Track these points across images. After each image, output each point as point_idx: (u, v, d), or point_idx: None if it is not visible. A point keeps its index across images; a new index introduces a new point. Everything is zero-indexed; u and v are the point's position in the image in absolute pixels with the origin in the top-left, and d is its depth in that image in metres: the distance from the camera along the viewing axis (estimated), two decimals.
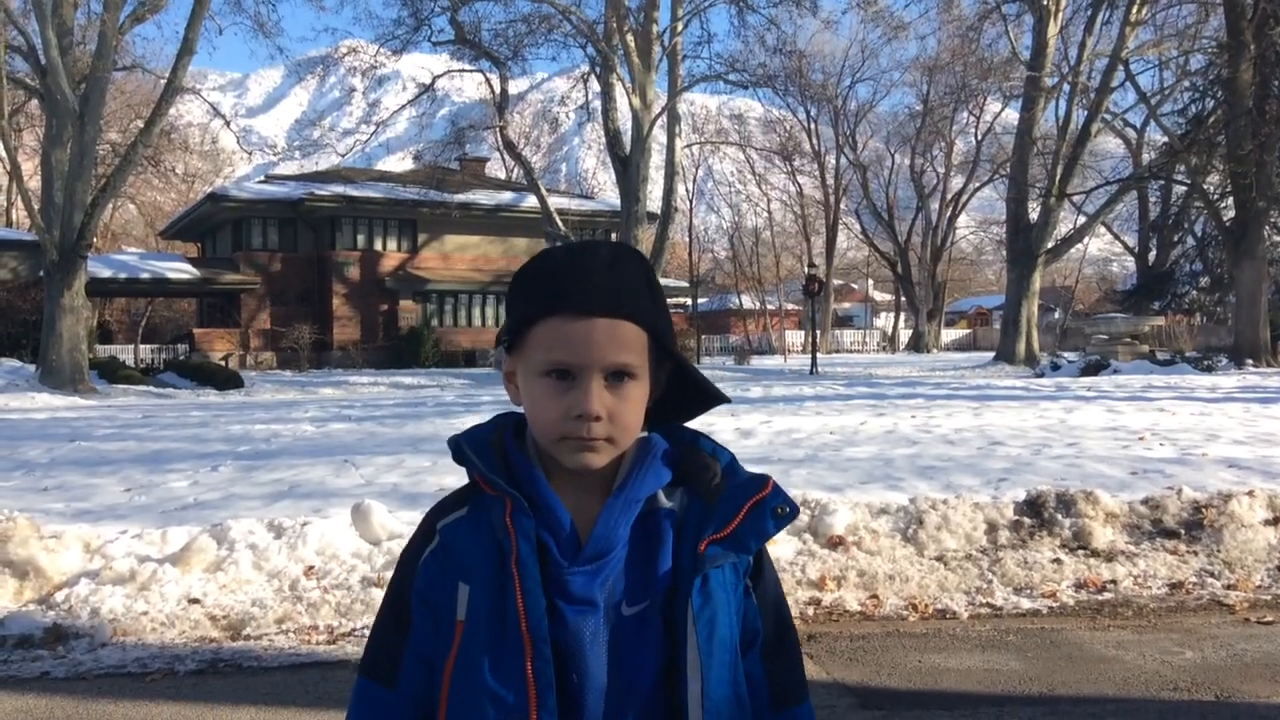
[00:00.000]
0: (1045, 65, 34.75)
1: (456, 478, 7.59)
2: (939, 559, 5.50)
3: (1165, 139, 36.10)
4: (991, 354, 38.64)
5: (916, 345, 61.12)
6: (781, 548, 5.50)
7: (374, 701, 1.28)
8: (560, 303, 1.21)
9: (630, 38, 32.01)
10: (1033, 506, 5.87)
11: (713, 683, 1.22)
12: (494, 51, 34.03)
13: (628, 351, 1.21)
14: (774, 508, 1.26)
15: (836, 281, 71.60)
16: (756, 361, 47.29)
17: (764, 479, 1.29)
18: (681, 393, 1.31)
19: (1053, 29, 33.98)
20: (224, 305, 39.26)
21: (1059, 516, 5.74)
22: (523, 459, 1.26)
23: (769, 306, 72.45)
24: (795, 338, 63.70)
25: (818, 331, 45.57)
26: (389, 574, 5.17)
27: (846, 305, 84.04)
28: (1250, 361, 25.34)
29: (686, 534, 1.26)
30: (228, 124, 29.63)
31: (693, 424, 1.36)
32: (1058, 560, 5.49)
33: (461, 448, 1.28)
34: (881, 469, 7.72)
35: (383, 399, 18.83)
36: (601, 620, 1.22)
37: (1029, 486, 6.79)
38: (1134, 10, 32.94)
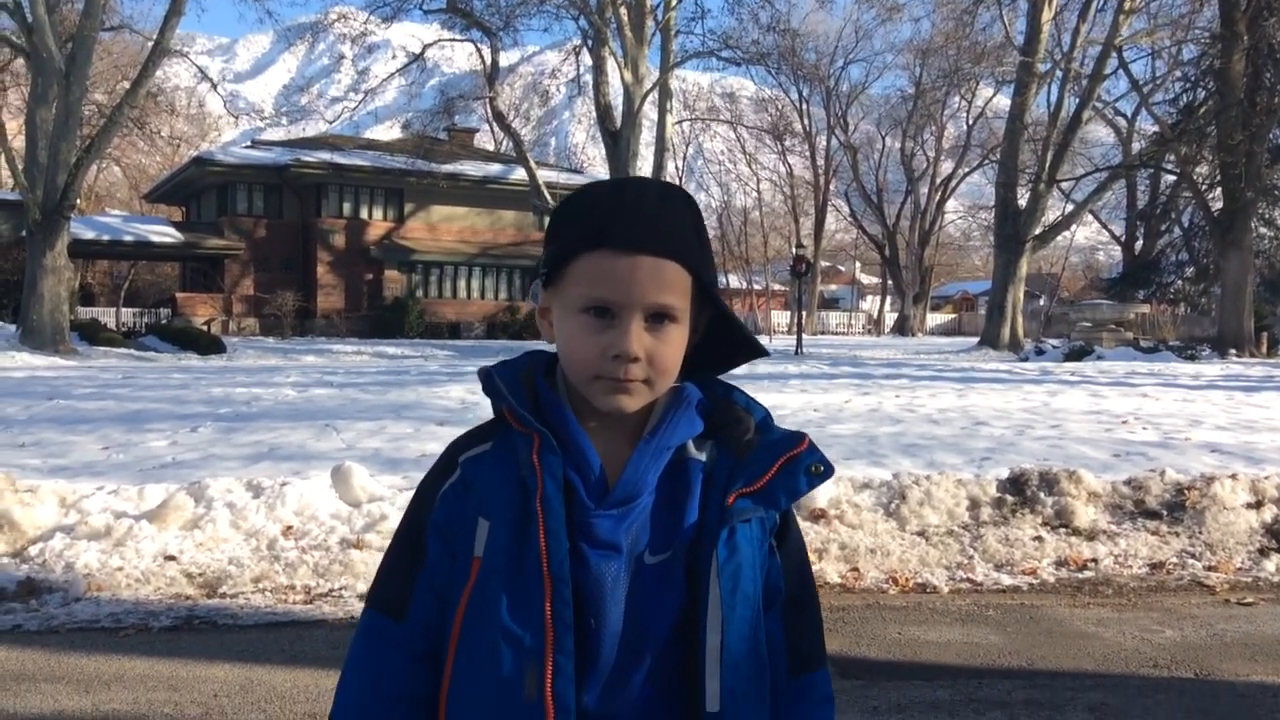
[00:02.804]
0: (1038, 51, 34.69)
1: (439, 445, 7.55)
2: (920, 534, 5.49)
3: (1155, 128, 36.14)
4: (976, 339, 38.67)
5: (902, 329, 61.25)
6: None
7: (382, 634, 1.23)
8: (606, 237, 1.15)
9: (623, 11, 31.81)
10: (1015, 484, 5.87)
11: (732, 637, 1.18)
12: (485, 21, 33.75)
13: (671, 292, 1.16)
14: (809, 465, 1.22)
15: (824, 263, 71.63)
16: None
17: (800, 435, 1.24)
18: (718, 342, 1.26)
19: (1047, 14, 33.89)
20: (207, 270, 39.01)
21: (1041, 495, 5.74)
22: (553, 397, 1.21)
23: (756, 286, 72.43)
24: (781, 318, 63.70)
25: (803, 312, 45.53)
26: (368, 536, 5.15)
27: (833, 287, 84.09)
28: (1234, 352, 25.43)
29: (715, 486, 1.21)
30: (215, 87, 29.33)
31: None
32: (1039, 538, 5.49)
33: (492, 378, 1.22)
34: (865, 446, 7.71)
35: (366, 367, 18.74)
36: (623, 566, 1.18)
37: (1012, 465, 6.80)
38: None
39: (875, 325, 67.57)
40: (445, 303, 41.19)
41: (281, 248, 38.84)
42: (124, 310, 38.09)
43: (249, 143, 43.74)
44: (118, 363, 19.29)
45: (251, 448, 7.36)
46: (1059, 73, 35.60)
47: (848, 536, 5.34)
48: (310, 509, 5.26)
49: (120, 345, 25.14)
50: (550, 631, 1.14)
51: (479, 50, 35.40)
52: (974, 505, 5.71)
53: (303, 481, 5.52)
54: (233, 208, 38.73)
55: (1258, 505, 5.76)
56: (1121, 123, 49.01)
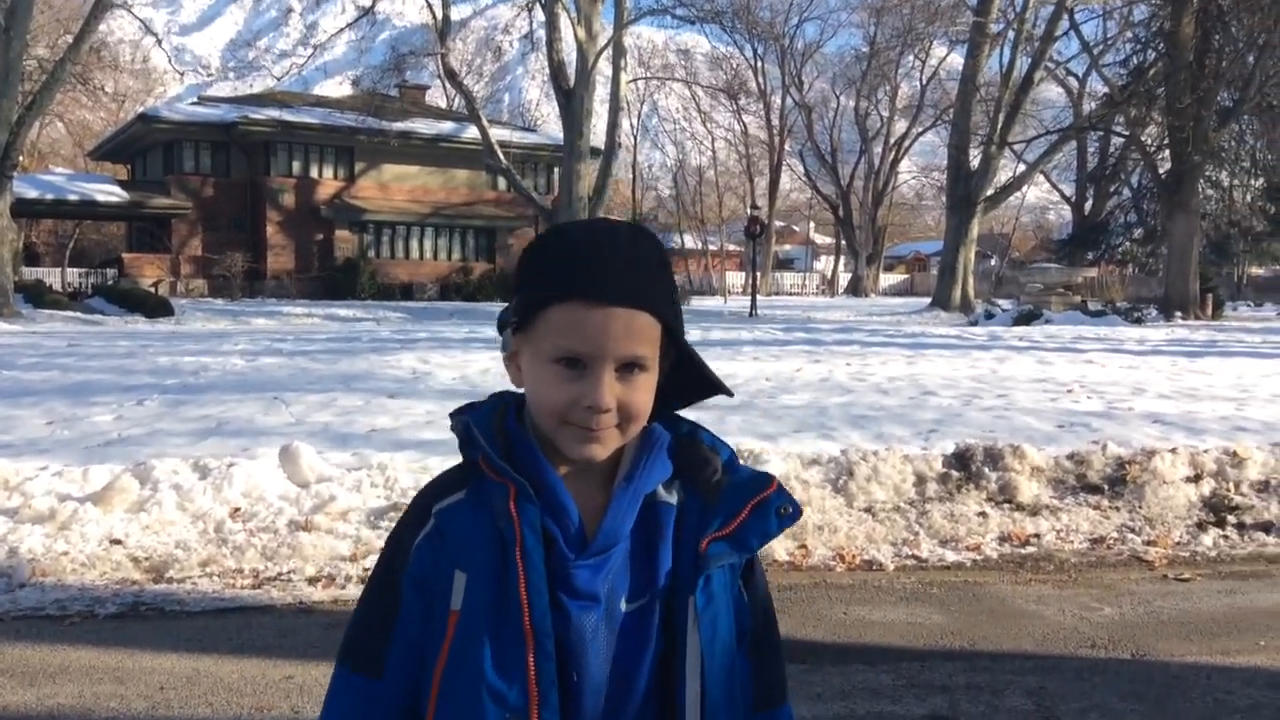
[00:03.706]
0: (991, 11, 34.80)
1: (389, 418, 7.54)
2: (867, 510, 5.56)
3: (1106, 89, 36.40)
4: (928, 300, 39.04)
5: (855, 289, 61.60)
6: None
7: (360, 692, 1.20)
8: (578, 288, 1.14)
9: None
10: (961, 460, 5.95)
11: (712, 683, 1.19)
12: None
13: (642, 343, 1.16)
14: (778, 508, 1.23)
15: (778, 223, 71.71)
16: (697, 302, 47.35)
17: (768, 478, 1.25)
18: (682, 378, 1.26)
19: None
20: (154, 230, 38.32)
21: (986, 470, 5.83)
22: (526, 444, 1.20)
23: (710, 247, 72.42)
24: (736, 279, 63.83)
25: (758, 274, 45.68)
26: (316, 517, 5.13)
27: (787, 247, 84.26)
28: (1179, 314, 25.88)
29: (687, 530, 1.21)
30: (159, 43, 28.68)
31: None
32: (983, 513, 5.57)
33: (472, 431, 1.21)
34: (815, 418, 7.77)
35: (316, 332, 18.57)
36: (602, 616, 1.18)
37: (958, 438, 6.89)
38: None
39: (829, 286, 67.91)
40: (397, 263, 40.82)
41: (230, 207, 38.24)
42: (69, 270, 37.46)
43: (195, 99, 42.87)
44: (63, 327, 18.97)
45: (199, 423, 7.28)
46: (1011, 33, 35.73)
47: None
48: (258, 490, 5.23)
49: (66, 308, 24.71)
50: (534, 687, 1.14)
51: (430, 5, 34.88)
52: (920, 481, 5.78)
53: (250, 462, 5.48)
54: (179, 166, 38.03)
55: (1196, 479, 5.89)
56: (1073, 83, 49.37)
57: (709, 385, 1.27)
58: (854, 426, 7.44)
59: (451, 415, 1.25)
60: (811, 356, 12.42)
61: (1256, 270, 54.17)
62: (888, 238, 71.49)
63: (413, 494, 4.76)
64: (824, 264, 77.95)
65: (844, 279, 68.12)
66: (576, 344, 1.14)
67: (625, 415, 1.16)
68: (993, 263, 72.48)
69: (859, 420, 7.68)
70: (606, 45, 32.80)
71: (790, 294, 65.42)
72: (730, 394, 1.30)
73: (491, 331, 16.76)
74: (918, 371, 10.75)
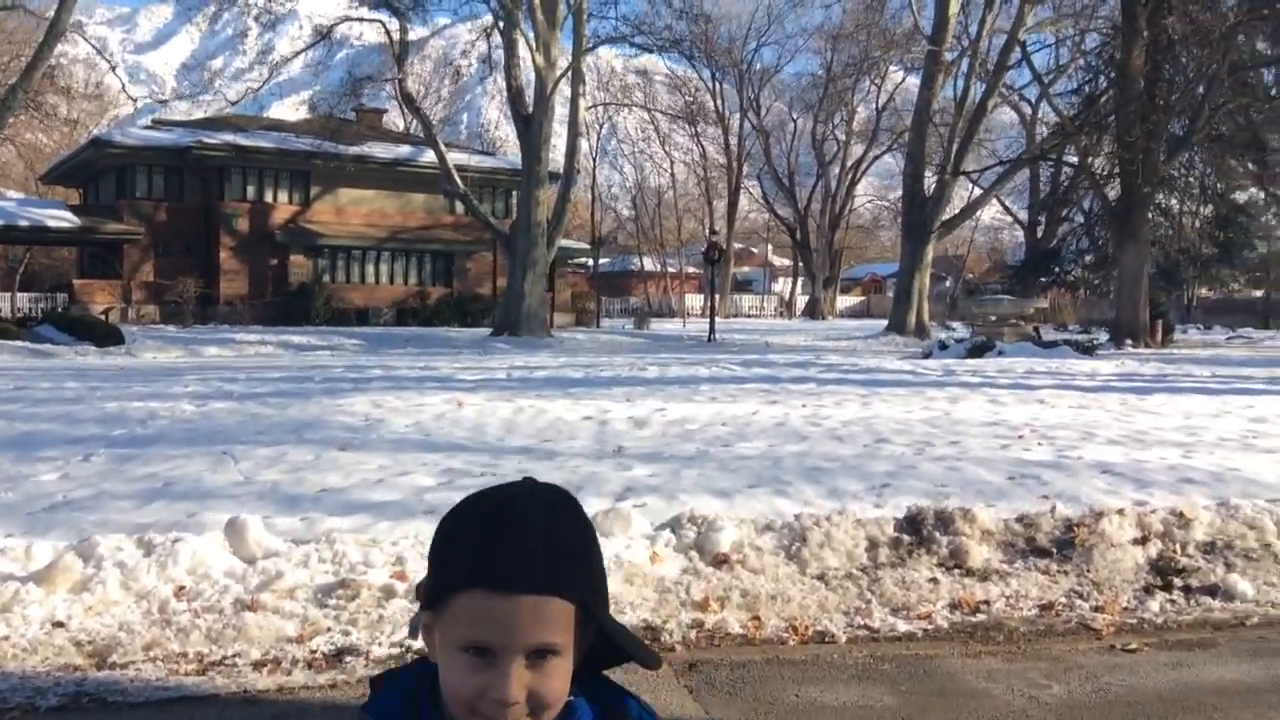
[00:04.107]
0: (946, 39, 35.27)
1: (339, 476, 7.46)
2: (820, 577, 5.57)
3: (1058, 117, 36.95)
4: (884, 322, 39.40)
5: (812, 312, 61.99)
6: (667, 566, 5.52)
7: None
8: (483, 576, 1.11)
9: None
10: (912, 523, 5.98)
11: None
12: (394, 1, 33.23)
13: (553, 630, 1.12)
14: None
15: (737, 245, 72.14)
16: (656, 325, 47.46)
17: None
18: (605, 647, 1.22)
19: (954, 5, 34.43)
20: (106, 255, 37.86)
21: (937, 534, 5.86)
22: None
23: (670, 269, 72.60)
24: (695, 301, 64.06)
25: (717, 296, 45.86)
26: (263, 595, 5.05)
27: (746, 269, 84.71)
28: (1129, 341, 26.26)
29: None
30: (114, 69, 28.40)
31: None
32: (934, 579, 5.60)
33: (379, 705, 1.19)
34: (770, 470, 7.79)
35: (269, 365, 18.40)
36: None
37: (911, 494, 6.94)
38: None
39: (787, 308, 68.34)
40: (353, 288, 40.58)
41: (183, 232, 37.90)
42: (19, 295, 36.88)
43: (149, 122, 42.45)
44: (11, 361, 18.68)
45: (145, 482, 7.17)
46: (965, 61, 36.22)
47: (749, 582, 5.40)
48: (203, 566, 5.15)
49: (15, 337, 24.35)
50: None
51: (387, 30, 34.83)
52: (873, 545, 5.81)
53: (196, 537, 5.40)
54: (132, 191, 37.65)
55: (1143, 540, 5.96)
56: (1026, 109, 50.10)
57: (636, 657, 1.23)
58: (808, 480, 7.47)
59: (371, 684, 1.23)
60: (768, 397, 12.47)
61: (1205, 292, 55.11)
62: (844, 259, 72.08)
63: (362, 568, 4.64)
64: (782, 286, 78.48)
65: (801, 301, 68.61)
66: (483, 635, 1.11)
67: (536, 704, 1.13)
68: (948, 284, 73.26)
69: (813, 473, 7.71)
70: (565, 72, 32.89)
71: (749, 316, 65.73)
72: (657, 665, 1.25)
73: (446, 366, 16.70)
74: (872, 415, 10.81)
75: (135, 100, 35.76)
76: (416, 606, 5.01)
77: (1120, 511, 6.17)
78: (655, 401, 11.68)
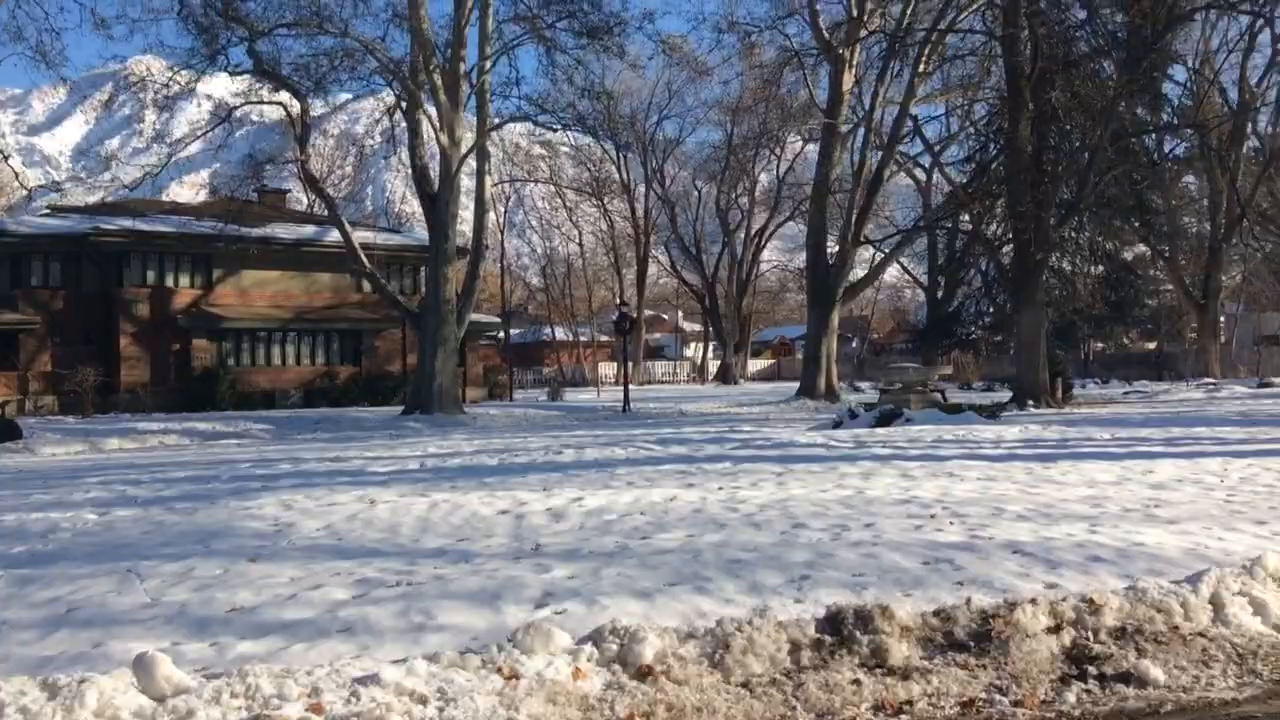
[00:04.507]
0: (841, 112, 36.28)
1: (250, 592, 7.26)
2: (745, 685, 5.56)
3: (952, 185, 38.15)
4: (795, 385, 39.90)
5: (725, 377, 62.52)
6: (591, 681, 5.46)
7: None
8: None
9: (437, 75, 31.73)
10: (833, 622, 6.01)
11: None
12: (295, 84, 33.11)
13: None
14: None
15: (648, 312, 72.67)
16: (570, 395, 47.40)
17: None
18: None
19: (848, 80, 35.49)
20: (1, 347, 36.68)
21: (857, 634, 5.90)
22: None
23: (582, 338, 72.74)
24: (608, 369, 64.18)
25: (630, 364, 46.01)
26: None
27: (657, 335, 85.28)
28: (1031, 402, 26.95)
29: None
30: (7, 159, 27.79)
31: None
32: (857, 680, 5.62)
33: None
34: (690, 565, 7.79)
35: (173, 461, 17.93)
36: None
37: (830, 585, 7.00)
38: (922, 63, 34.72)
39: (699, 373, 68.80)
40: (259, 370, 39.89)
41: (82, 320, 36.96)
42: None
43: (45, 208, 41.53)
44: None
45: (48, 608, 6.91)
46: (861, 132, 37.28)
47: (674, 694, 5.36)
48: (111, 708, 4.95)
49: None
50: None
51: (288, 113, 34.66)
52: (795, 648, 5.82)
53: (103, 677, 5.19)
54: (28, 279, 36.76)
55: (1057, 629, 6.07)
56: (922, 175, 51.62)
57: None
58: (729, 574, 7.48)
59: None
60: (685, 479, 12.50)
61: (1100, 346, 56.90)
62: (753, 323, 73.04)
63: (276, 702, 4.51)
64: (694, 351, 79.13)
65: (713, 365, 69.15)
66: None
67: None
68: (854, 344, 74.59)
69: (733, 566, 7.72)
70: (470, 150, 33.05)
71: (662, 382, 66.05)
72: None
73: (358, 460, 16.43)
74: (787, 496, 10.90)
75: (30, 192, 34.91)
76: None
77: (1033, 600, 6.28)
78: (572, 490, 11.62)
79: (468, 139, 33.47)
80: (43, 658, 5.81)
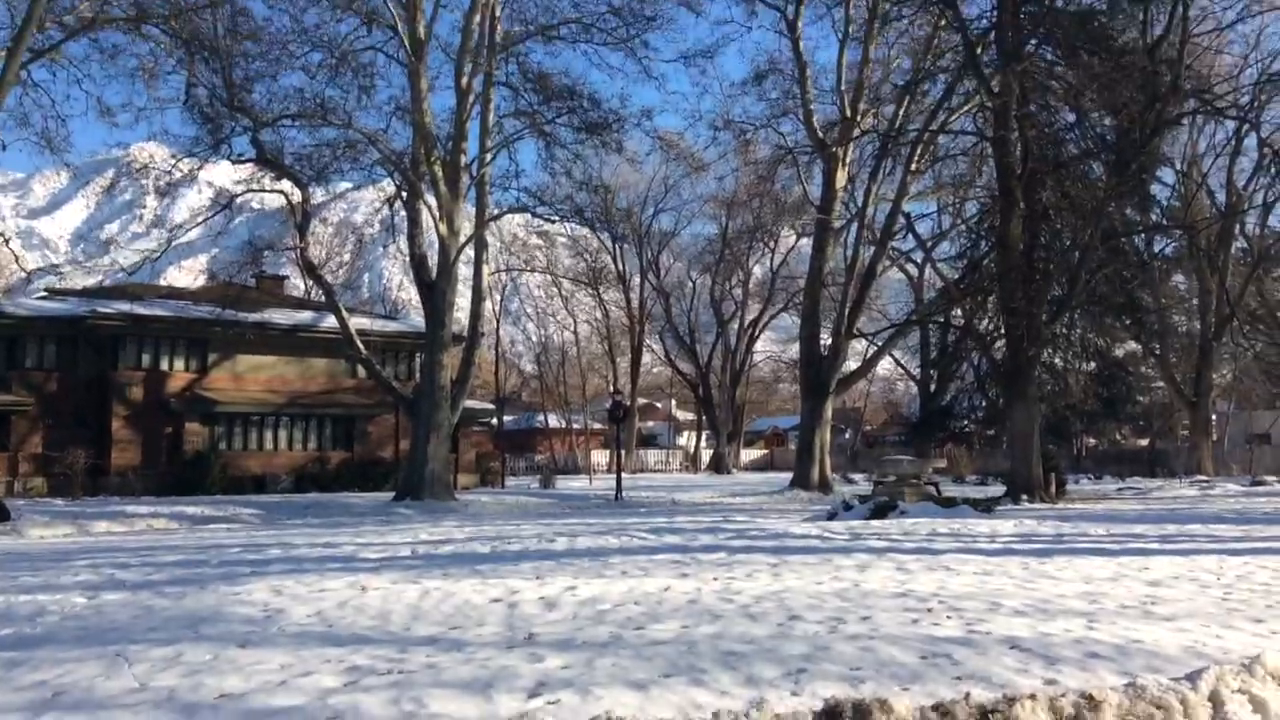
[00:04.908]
0: (834, 207, 36.81)
1: (239, 678, 7.16)
2: None
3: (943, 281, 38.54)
4: (788, 476, 39.84)
5: (718, 466, 62.37)
6: None
7: None
8: None
9: (438, 167, 32.22)
10: (830, 716, 5.96)
11: None
12: (297, 173, 33.59)
13: None
14: None
15: (641, 400, 72.78)
16: (562, 483, 47.22)
17: None
18: None
19: (841, 177, 36.10)
20: None
21: None
22: None
23: (575, 425, 72.68)
24: (601, 457, 64.01)
25: (623, 453, 45.95)
26: None
27: (650, 423, 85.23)
28: (1025, 497, 26.91)
29: None
30: (7, 243, 28.03)
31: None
32: None
33: None
34: (685, 656, 7.70)
35: (162, 545, 17.77)
36: None
37: (827, 678, 6.92)
38: (914, 162, 35.34)
39: (692, 462, 68.65)
40: (250, 455, 39.75)
41: (75, 402, 36.94)
42: None
43: (43, 291, 41.76)
44: None
45: (35, 691, 6.80)
46: (854, 227, 37.79)
47: None
48: None
49: None
50: None
51: (289, 201, 35.11)
52: None
53: None
54: (23, 361, 36.81)
55: None
56: (914, 270, 52.18)
57: None
58: (724, 666, 7.39)
59: None
60: (679, 569, 12.41)
61: (1093, 443, 56.95)
62: (746, 413, 73.11)
63: None
64: (686, 439, 79.04)
65: (706, 455, 69.04)
66: None
67: None
68: (847, 435, 74.62)
69: (728, 658, 7.64)
70: (469, 240, 33.42)
71: (655, 470, 65.85)
72: None
73: (349, 545, 16.31)
74: (783, 588, 10.82)
75: (29, 275, 35.16)
76: None
77: (1032, 696, 6.23)
78: (565, 579, 11.53)
79: (466, 229, 33.85)
80: None
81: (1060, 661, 7.44)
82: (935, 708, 6.14)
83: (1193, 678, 6.63)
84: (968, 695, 6.27)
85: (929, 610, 9.49)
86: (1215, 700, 6.41)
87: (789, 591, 10.62)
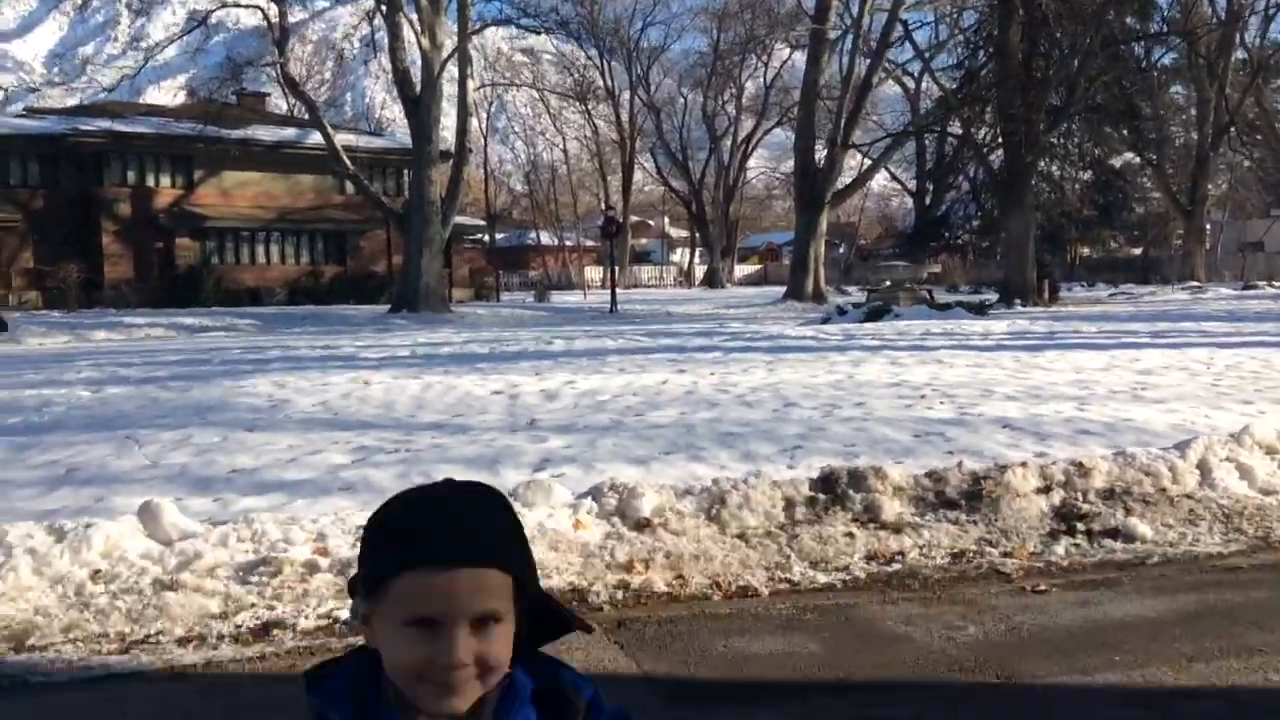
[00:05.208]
0: (829, 18, 35.71)
1: (250, 457, 7.34)
2: (740, 536, 5.68)
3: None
4: (782, 289, 39.94)
5: (711, 281, 62.41)
6: (591, 532, 5.57)
7: None
8: (420, 557, 1.17)
9: None
10: (826, 483, 6.12)
11: None
12: None
13: (493, 597, 1.18)
14: None
15: (634, 218, 72.21)
16: (557, 298, 47.33)
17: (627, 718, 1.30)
18: (540, 617, 1.28)
19: None
20: None
21: (850, 492, 6.01)
22: (383, 711, 1.22)
23: (567, 243, 72.36)
24: (595, 273, 63.96)
25: (616, 269, 45.88)
26: (183, 575, 4.97)
27: (644, 241, 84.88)
28: (1019, 301, 27.08)
29: None
30: None
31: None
32: (850, 534, 5.75)
33: (314, 700, 1.24)
34: (684, 437, 7.88)
35: (162, 349, 17.90)
36: None
37: (822, 455, 7.10)
38: None
39: (686, 278, 68.72)
40: (243, 269, 39.73)
41: (61, 219, 36.74)
42: None
43: (22, 110, 40.84)
44: None
45: (47, 469, 6.97)
46: (849, 39, 36.75)
47: (672, 544, 5.48)
48: (119, 550, 5.03)
49: None
50: None
51: (266, 16, 33.92)
52: (789, 505, 5.93)
53: (109, 522, 5.27)
54: (6, 179, 36.39)
55: (1047, 490, 6.20)
56: (910, 83, 51.05)
57: (566, 625, 1.30)
58: (722, 445, 7.57)
59: (306, 677, 1.25)
60: (676, 366, 12.57)
61: (1087, 251, 56.90)
62: (740, 229, 72.71)
63: (283, 545, 4.59)
64: (680, 256, 78.86)
65: (700, 271, 69.02)
66: (427, 608, 1.16)
67: (483, 668, 1.19)
68: (841, 250, 74.44)
69: (726, 438, 7.82)
70: (451, 54, 32.48)
71: (649, 286, 65.93)
72: (589, 630, 1.34)
73: (349, 348, 16.44)
74: (779, 380, 10.98)
75: (6, 92, 34.31)
76: (342, 580, 4.96)
77: (1023, 464, 6.40)
78: (564, 375, 11.69)
79: (449, 43, 32.87)
80: (46, 510, 5.88)
81: (1051, 438, 7.62)
82: (929, 474, 6.31)
83: (1181, 447, 6.80)
84: (960, 463, 6.45)
85: (922, 397, 9.66)
86: (1203, 468, 6.59)
87: (784, 383, 10.78)
